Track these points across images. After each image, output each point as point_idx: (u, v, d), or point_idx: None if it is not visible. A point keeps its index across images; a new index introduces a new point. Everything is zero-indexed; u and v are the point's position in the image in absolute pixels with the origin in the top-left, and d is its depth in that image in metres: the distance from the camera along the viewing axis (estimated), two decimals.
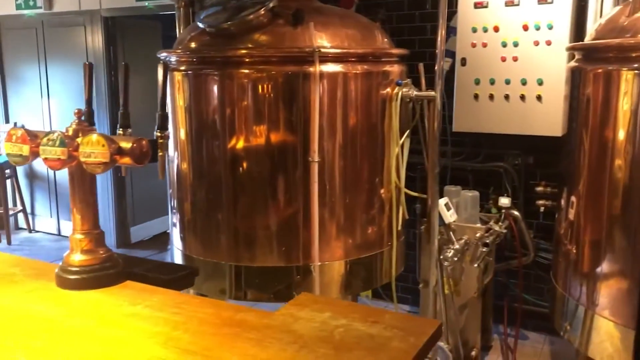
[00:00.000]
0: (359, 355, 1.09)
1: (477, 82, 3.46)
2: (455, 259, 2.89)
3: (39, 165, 5.76)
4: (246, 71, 2.75)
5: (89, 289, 1.42)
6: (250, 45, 2.74)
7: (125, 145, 1.32)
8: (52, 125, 5.54)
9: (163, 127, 1.46)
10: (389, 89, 2.87)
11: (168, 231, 6.15)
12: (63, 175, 5.67)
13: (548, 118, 3.29)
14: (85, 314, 1.30)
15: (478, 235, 3.02)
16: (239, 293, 2.91)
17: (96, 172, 1.33)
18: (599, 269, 2.37)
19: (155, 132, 1.45)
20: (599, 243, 2.38)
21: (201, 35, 2.89)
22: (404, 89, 2.85)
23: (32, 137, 1.41)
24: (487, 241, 2.89)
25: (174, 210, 3.18)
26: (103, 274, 1.44)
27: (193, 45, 2.94)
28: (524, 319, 3.44)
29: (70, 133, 1.39)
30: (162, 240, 5.90)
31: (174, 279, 1.50)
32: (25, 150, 1.40)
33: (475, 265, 2.98)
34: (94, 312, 1.31)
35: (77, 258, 1.45)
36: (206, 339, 1.17)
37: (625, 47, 2.24)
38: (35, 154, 1.41)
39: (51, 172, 5.69)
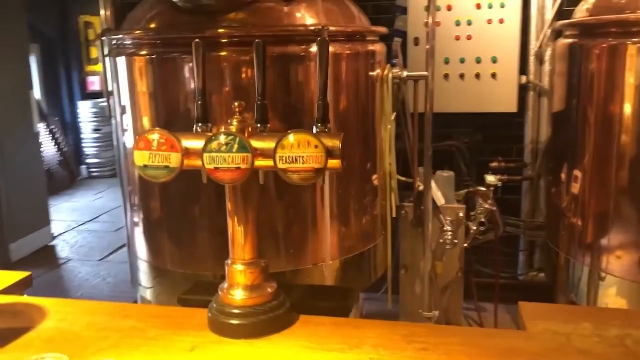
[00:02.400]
0: None
1: None
2: (456, 241, 2.85)
3: None
4: (228, 54, 2.39)
5: (266, 335, 1.09)
6: (234, 24, 2.40)
7: (333, 144, 1.02)
8: None
9: (325, 119, 1.16)
10: (379, 70, 2.71)
11: (50, 244, 5.35)
12: None
13: (503, 95, 3.39)
14: None
15: (461, 215, 3.01)
16: None
17: (297, 182, 1.01)
18: (608, 235, 2.48)
19: (315, 126, 1.14)
20: (607, 212, 2.49)
21: (170, 11, 2.46)
22: (394, 70, 2.72)
23: (177, 140, 1.04)
24: (482, 219, 2.89)
25: (137, 217, 2.69)
26: (277, 314, 1.11)
27: (157, 24, 2.49)
28: (483, 291, 3.54)
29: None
30: (45, 255, 5.12)
31: (348, 305, 1.22)
32: (175, 159, 1.02)
33: (465, 244, 2.98)
34: None
35: (240, 296, 1.11)
36: None
37: (632, 22, 2.34)
38: (181, 164, 1.04)
39: None
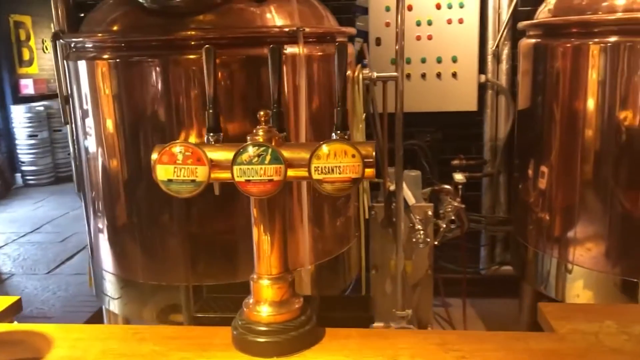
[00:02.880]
0: None
1: (393, 62, 3.44)
2: (428, 239, 2.88)
3: None
4: (198, 57, 2.30)
5: (297, 352, 1.05)
6: (203, 26, 2.33)
7: (367, 152, 0.99)
8: None
9: (345, 126, 1.13)
10: (349, 71, 2.69)
11: None
12: None
13: (464, 94, 3.45)
14: None
15: (430, 213, 3.05)
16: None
17: (331, 192, 0.97)
18: (576, 228, 2.57)
19: (334, 133, 1.11)
20: (574, 205, 2.57)
21: (134, 13, 2.35)
22: (365, 71, 2.72)
23: (203, 153, 0.98)
24: (453, 217, 2.93)
25: (101, 224, 2.57)
26: (307, 329, 1.08)
27: (121, 26, 2.38)
28: (447, 287, 3.59)
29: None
30: None
31: (370, 315, 1.20)
32: (202, 173, 0.96)
33: (436, 242, 3.01)
34: None
35: (268, 312, 1.06)
36: None
37: (594, 22, 2.42)
38: (209, 178, 0.98)
39: None
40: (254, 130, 1.02)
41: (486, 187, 3.69)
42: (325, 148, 0.96)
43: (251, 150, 0.96)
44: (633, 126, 2.38)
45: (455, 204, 3.02)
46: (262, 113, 1.02)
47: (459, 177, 3.10)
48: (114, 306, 2.68)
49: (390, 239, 3.14)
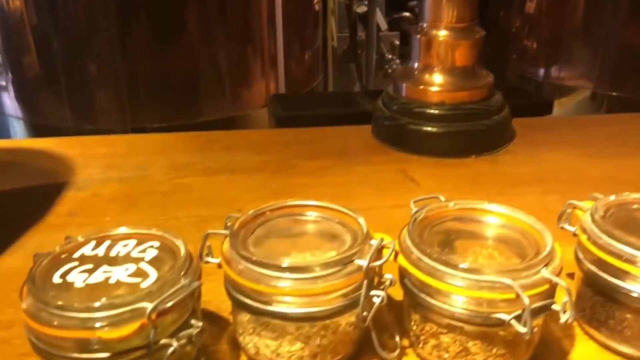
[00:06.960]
0: None
1: None
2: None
3: None
4: None
5: (498, 149, 0.66)
6: None
7: None
8: None
9: None
10: None
11: None
12: None
13: None
14: None
15: (397, 42, 2.65)
16: None
17: None
18: None
19: None
20: None
21: None
22: None
23: None
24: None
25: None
26: (507, 112, 0.68)
27: None
28: None
29: None
30: None
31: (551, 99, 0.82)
32: None
33: None
34: None
35: (450, 84, 0.64)
36: None
37: None
38: None
39: None
40: None
41: None
42: None
43: None
44: None
45: None
46: None
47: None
48: None
49: (349, 76, 2.74)
